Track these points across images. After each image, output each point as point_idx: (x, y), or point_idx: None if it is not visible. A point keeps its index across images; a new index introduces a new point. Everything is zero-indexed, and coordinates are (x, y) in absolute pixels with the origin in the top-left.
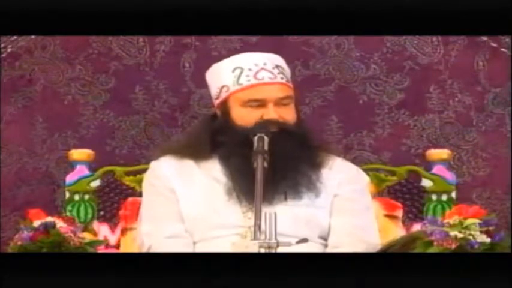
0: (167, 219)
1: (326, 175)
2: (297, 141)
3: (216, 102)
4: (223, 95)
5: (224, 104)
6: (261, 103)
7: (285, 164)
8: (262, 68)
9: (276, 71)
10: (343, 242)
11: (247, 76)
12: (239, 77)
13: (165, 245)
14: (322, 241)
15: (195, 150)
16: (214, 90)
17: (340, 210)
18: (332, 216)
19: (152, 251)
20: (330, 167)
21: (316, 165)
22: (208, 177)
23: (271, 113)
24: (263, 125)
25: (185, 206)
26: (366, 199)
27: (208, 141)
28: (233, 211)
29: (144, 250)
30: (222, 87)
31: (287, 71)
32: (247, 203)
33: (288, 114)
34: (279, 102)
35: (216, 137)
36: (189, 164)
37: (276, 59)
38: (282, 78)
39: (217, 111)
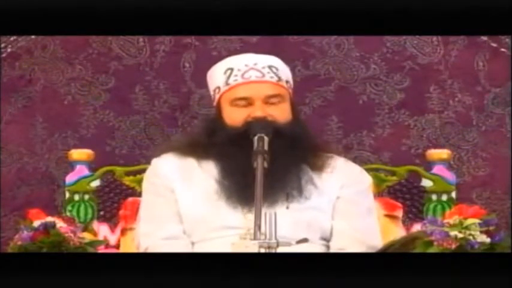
0: (165, 220)
1: (328, 177)
2: (288, 140)
3: (214, 104)
4: (217, 97)
5: (218, 105)
6: (247, 101)
7: (284, 161)
8: (252, 68)
9: (266, 70)
10: (347, 246)
11: (235, 76)
12: (228, 77)
13: (162, 246)
14: (324, 242)
15: (194, 150)
16: (211, 93)
17: (343, 213)
18: (335, 219)
19: (149, 251)
20: (332, 168)
21: (318, 166)
22: (209, 177)
23: (257, 111)
24: (251, 124)
25: (185, 206)
26: (368, 201)
27: (205, 143)
28: (234, 213)
29: (141, 251)
30: (215, 88)
31: (283, 72)
32: (246, 204)
33: (279, 113)
34: (267, 101)
35: (212, 138)
36: (190, 163)
37: (271, 60)
38: (271, 77)
39: (215, 113)
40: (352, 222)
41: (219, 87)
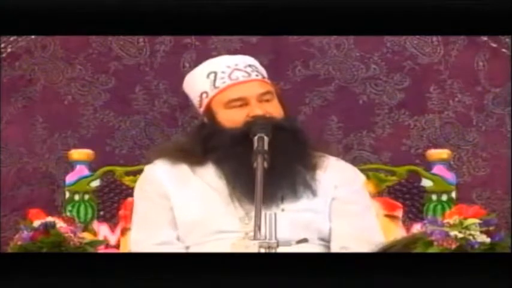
0: (159, 226)
1: (321, 176)
2: (289, 135)
3: (201, 110)
4: (205, 102)
5: (208, 110)
6: (243, 102)
7: (279, 161)
8: (235, 69)
9: (249, 69)
10: (350, 246)
11: (221, 78)
12: (214, 80)
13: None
14: (322, 242)
15: (188, 158)
16: (195, 100)
17: (341, 214)
18: (333, 220)
19: None
20: (325, 168)
21: (311, 166)
22: (204, 182)
23: (256, 109)
24: (252, 123)
25: (180, 211)
26: (365, 199)
27: (200, 151)
28: (230, 217)
29: None
30: (201, 94)
31: (261, 69)
32: (244, 207)
33: (274, 110)
34: (261, 99)
35: (208, 143)
36: (184, 168)
37: (247, 59)
38: (256, 76)
39: (204, 119)
40: (351, 221)
41: (206, 92)
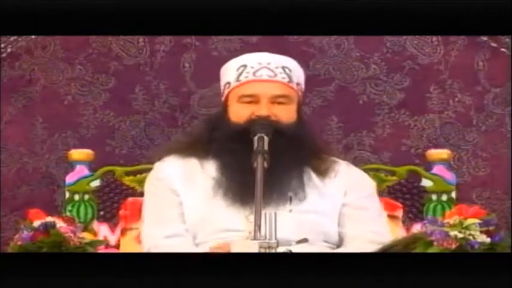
0: (169, 219)
1: (331, 180)
2: (289, 141)
3: (222, 99)
4: (226, 92)
5: (225, 101)
6: (253, 99)
7: (284, 162)
8: (265, 67)
9: (278, 70)
10: (363, 248)
11: (247, 73)
12: (240, 74)
13: (165, 245)
14: (327, 244)
15: (197, 149)
16: (222, 88)
17: (354, 220)
18: (346, 226)
19: (151, 251)
20: (335, 173)
21: (320, 170)
22: (211, 179)
23: (262, 109)
24: (254, 122)
25: (188, 208)
26: (376, 204)
27: (206, 139)
28: (236, 215)
29: (145, 251)
30: (226, 84)
31: (296, 73)
32: (249, 205)
33: (283, 114)
34: (274, 100)
35: (213, 134)
36: (193, 164)
37: (286, 61)
38: (283, 78)
39: (221, 109)
40: (365, 226)
41: (229, 83)
